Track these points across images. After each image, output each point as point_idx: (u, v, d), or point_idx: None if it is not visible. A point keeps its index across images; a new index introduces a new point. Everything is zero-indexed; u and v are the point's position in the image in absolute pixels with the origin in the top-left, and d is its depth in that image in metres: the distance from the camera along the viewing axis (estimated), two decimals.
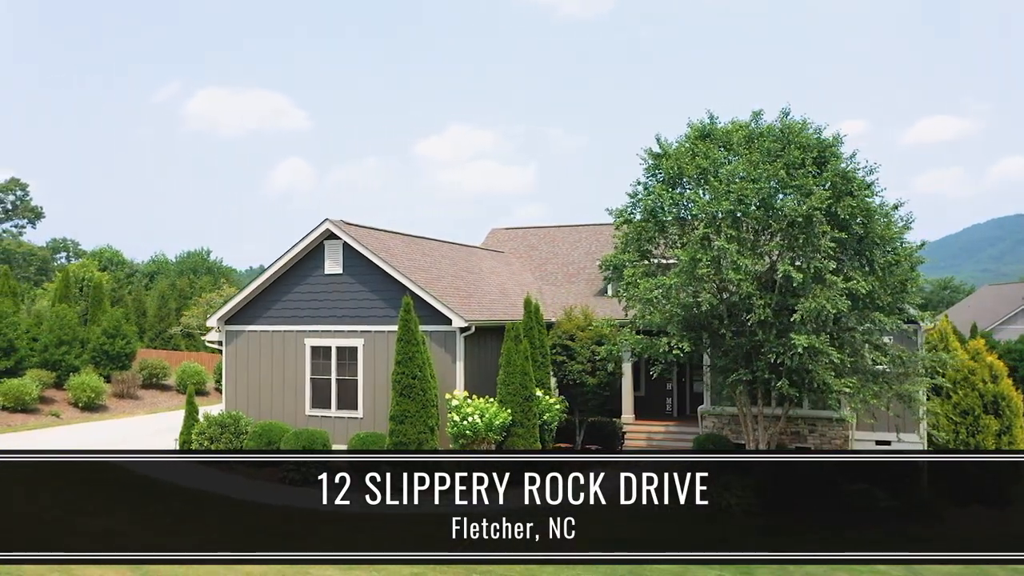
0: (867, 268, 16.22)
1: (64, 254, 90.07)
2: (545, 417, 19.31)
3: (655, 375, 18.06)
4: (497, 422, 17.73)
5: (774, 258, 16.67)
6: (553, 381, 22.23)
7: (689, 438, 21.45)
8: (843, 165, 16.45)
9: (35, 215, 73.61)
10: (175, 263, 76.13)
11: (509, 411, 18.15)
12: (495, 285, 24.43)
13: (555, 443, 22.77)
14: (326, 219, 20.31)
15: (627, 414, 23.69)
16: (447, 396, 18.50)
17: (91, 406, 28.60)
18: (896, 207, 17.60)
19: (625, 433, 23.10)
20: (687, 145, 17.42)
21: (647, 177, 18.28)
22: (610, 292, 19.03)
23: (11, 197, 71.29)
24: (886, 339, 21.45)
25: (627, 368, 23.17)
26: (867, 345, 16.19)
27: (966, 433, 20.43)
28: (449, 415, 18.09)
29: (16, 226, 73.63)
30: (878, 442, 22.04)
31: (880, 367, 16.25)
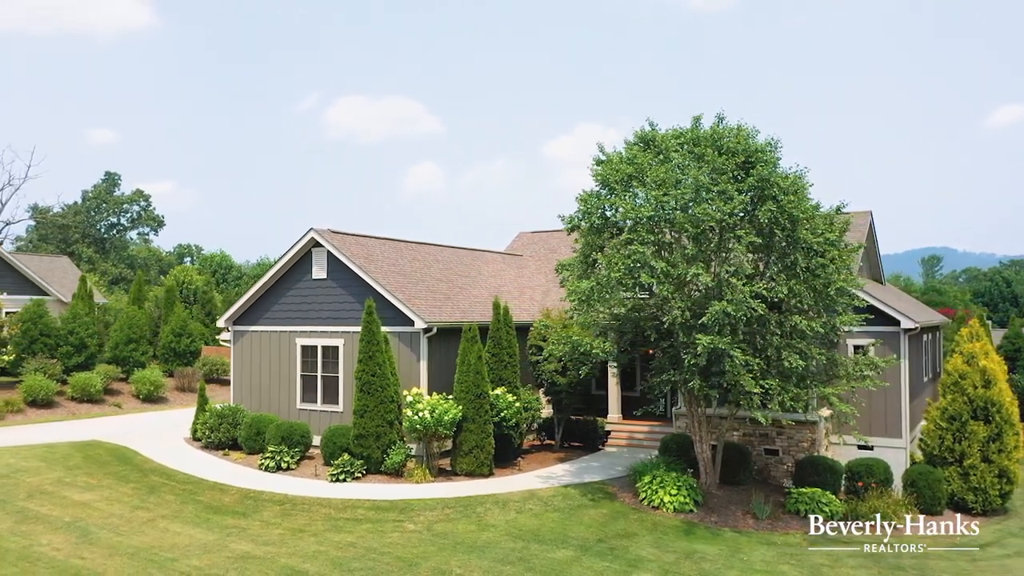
0: (789, 272, 16.22)
1: (189, 258, 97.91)
2: (504, 414, 20.11)
3: (584, 375, 18.61)
4: (447, 418, 18.78)
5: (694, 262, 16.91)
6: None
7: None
8: (771, 170, 16.48)
9: (157, 223, 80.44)
10: None
11: (461, 407, 19.17)
12: (489, 288, 25.44)
13: (541, 439, 23.62)
14: (311, 228, 22.01)
15: (614, 413, 24.19)
16: (404, 392, 19.75)
17: (151, 398, 31.70)
18: (839, 210, 17.51)
19: (610, 432, 23.64)
20: (621, 153, 17.90)
21: (596, 184, 18.87)
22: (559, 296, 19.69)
23: (136, 207, 78.26)
24: (867, 342, 21.06)
25: (612, 369, 23.65)
26: (788, 348, 16.15)
27: (951, 439, 19.75)
28: (405, 410, 19.31)
29: (140, 234, 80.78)
30: (860, 447, 21.53)
31: (800, 369, 16.12)
